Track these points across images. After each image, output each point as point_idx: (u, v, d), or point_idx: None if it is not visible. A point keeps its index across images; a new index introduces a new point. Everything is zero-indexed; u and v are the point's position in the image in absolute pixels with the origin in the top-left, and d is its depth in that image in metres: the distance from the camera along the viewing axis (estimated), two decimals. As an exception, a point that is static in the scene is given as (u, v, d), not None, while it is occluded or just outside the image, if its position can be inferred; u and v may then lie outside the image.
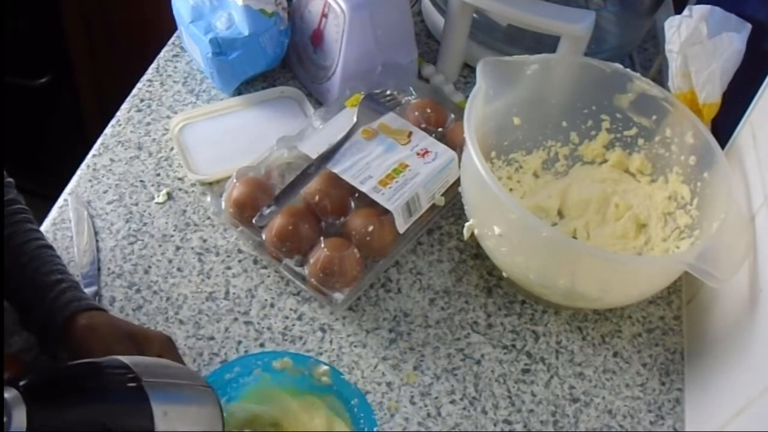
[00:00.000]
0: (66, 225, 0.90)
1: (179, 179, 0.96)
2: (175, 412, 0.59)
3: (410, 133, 0.93)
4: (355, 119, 0.93)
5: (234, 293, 0.86)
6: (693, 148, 0.87)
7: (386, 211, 0.86)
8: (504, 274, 0.88)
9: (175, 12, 1.06)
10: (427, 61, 1.13)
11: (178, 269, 0.88)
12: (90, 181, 0.95)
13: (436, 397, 0.80)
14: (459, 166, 0.89)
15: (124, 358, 0.60)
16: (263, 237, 0.86)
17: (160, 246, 0.89)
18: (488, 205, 0.83)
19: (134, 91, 1.06)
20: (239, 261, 0.89)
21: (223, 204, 0.89)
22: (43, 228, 0.89)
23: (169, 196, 0.94)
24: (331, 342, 0.83)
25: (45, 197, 0.95)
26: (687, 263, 0.75)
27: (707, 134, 0.85)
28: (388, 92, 0.99)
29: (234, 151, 0.97)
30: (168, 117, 1.02)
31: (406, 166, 0.89)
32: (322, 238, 0.84)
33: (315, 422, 0.73)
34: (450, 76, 1.11)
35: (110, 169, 0.96)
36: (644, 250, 0.89)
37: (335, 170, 0.88)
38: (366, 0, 0.97)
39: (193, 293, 0.86)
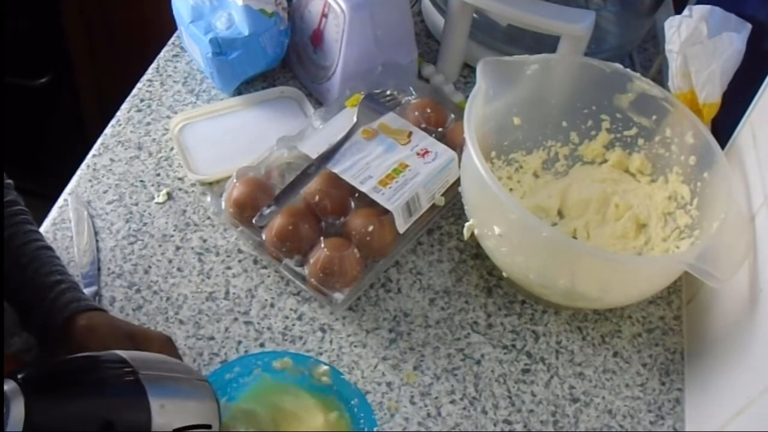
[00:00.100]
0: (66, 225, 0.90)
1: (179, 179, 0.96)
2: (173, 405, 0.60)
3: (410, 133, 0.93)
4: (355, 119, 0.93)
5: (234, 293, 0.86)
6: (693, 148, 0.87)
7: (386, 211, 0.86)
8: (504, 274, 0.88)
9: (175, 12, 1.06)
10: (427, 61, 1.13)
11: (178, 269, 0.88)
12: (90, 181, 0.95)
13: (436, 397, 0.80)
14: (459, 166, 0.89)
15: (122, 353, 0.61)
16: (263, 237, 0.86)
17: (160, 246, 0.89)
18: (488, 205, 0.83)
19: (134, 91, 1.06)
20: (239, 261, 0.89)
21: (223, 204, 0.89)
22: (43, 228, 0.89)
23: (169, 196, 0.94)
24: (331, 342, 0.83)
25: (45, 197, 0.95)
26: (687, 263, 0.75)
27: (707, 134, 0.85)
28: (388, 92, 0.99)
29: (234, 151, 0.97)
30: (168, 117, 1.02)
31: (406, 166, 0.89)
32: (322, 238, 0.84)
33: (315, 422, 0.73)
34: (450, 76, 1.11)
35: (110, 169, 0.96)
36: (644, 250, 0.89)
37: (335, 170, 0.88)
38: (366, 0, 0.97)
39: (193, 293, 0.86)
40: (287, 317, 0.85)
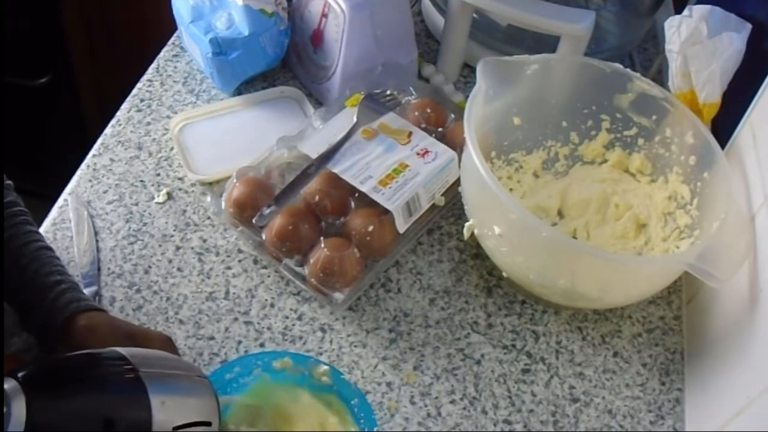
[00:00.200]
0: (66, 225, 0.90)
1: (179, 179, 0.96)
2: (173, 401, 0.60)
3: (410, 133, 0.93)
4: (355, 119, 0.93)
5: (234, 293, 0.86)
6: (693, 148, 0.87)
7: (386, 211, 0.86)
8: (504, 274, 0.88)
9: (175, 12, 1.06)
10: (427, 61, 1.13)
11: (178, 269, 0.88)
12: (90, 181, 0.95)
13: (436, 397, 0.80)
14: (459, 166, 0.89)
15: (122, 350, 0.61)
16: (263, 237, 0.86)
17: (160, 246, 0.89)
18: (488, 205, 0.83)
19: (134, 91, 1.06)
20: (239, 261, 0.89)
21: (223, 204, 0.89)
22: (43, 228, 0.89)
23: (169, 196, 0.94)
24: (331, 342, 0.83)
25: (45, 197, 0.95)
26: (687, 263, 0.75)
27: (707, 134, 0.85)
28: (388, 92, 0.99)
29: (234, 151, 0.97)
30: (168, 117, 1.02)
31: (406, 166, 0.89)
32: (322, 238, 0.84)
33: (315, 422, 0.73)
34: (450, 76, 1.11)
35: (110, 169, 0.96)
36: (644, 250, 0.89)
37: (335, 170, 0.88)
38: (366, 0, 0.97)
39: (193, 293, 0.86)
40: (287, 317, 0.85)
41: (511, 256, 0.84)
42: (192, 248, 0.90)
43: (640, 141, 0.94)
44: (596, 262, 0.79)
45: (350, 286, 0.84)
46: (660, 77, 1.08)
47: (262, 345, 0.82)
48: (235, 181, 0.89)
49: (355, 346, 0.83)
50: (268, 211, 0.85)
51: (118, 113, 1.03)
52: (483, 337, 0.85)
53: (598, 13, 1.01)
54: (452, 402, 0.80)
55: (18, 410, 0.53)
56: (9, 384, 0.54)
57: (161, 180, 0.96)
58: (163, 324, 0.83)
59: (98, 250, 0.88)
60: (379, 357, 0.83)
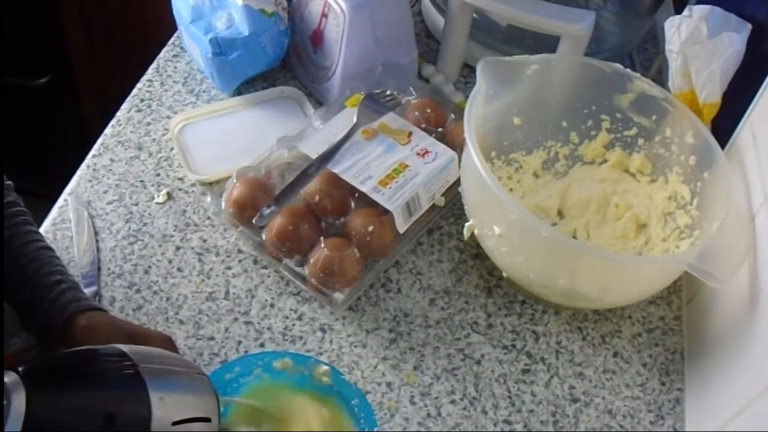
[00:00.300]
0: (66, 225, 0.90)
1: (179, 179, 0.96)
2: (172, 398, 0.60)
3: (410, 133, 0.93)
4: (355, 119, 0.93)
5: (234, 293, 0.86)
6: (693, 148, 0.87)
7: (386, 211, 0.86)
8: (504, 274, 0.88)
9: (175, 12, 1.06)
10: (427, 61, 1.13)
11: (178, 269, 0.88)
12: (90, 181, 0.95)
13: (436, 397, 0.80)
14: (459, 166, 0.89)
15: (122, 346, 0.62)
16: (263, 237, 0.86)
17: (160, 246, 0.89)
18: (488, 205, 0.83)
19: (134, 91, 1.06)
20: (239, 261, 0.89)
21: (223, 204, 0.89)
22: (42, 228, 0.89)
23: (169, 196, 0.94)
24: (331, 342, 0.83)
25: (45, 197, 0.95)
26: (687, 263, 0.75)
27: (707, 134, 0.85)
28: (388, 92, 0.99)
29: (234, 151, 0.97)
30: (168, 117, 1.02)
31: (406, 166, 0.89)
32: (322, 238, 0.84)
33: (315, 422, 0.73)
34: (450, 76, 1.11)
35: (110, 169, 0.96)
36: (644, 250, 0.89)
37: (335, 170, 0.88)
38: (366, 0, 0.97)
39: (193, 293, 0.86)
40: (287, 317, 0.85)
41: (511, 256, 0.84)
42: (192, 248, 0.90)
43: (640, 141, 0.94)
44: (596, 262, 0.79)
45: (350, 286, 0.84)
46: (660, 77, 1.08)
47: (262, 345, 0.82)
48: (235, 181, 0.89)
49: (355, 346, 0.83)
50: (268, 211, 0.85)
51: (118, 113, 1.03)
52: (483, 337, 0.85)
53: (598, 13, 1.02)
54: (452, 402, 0.80)
55: (18, 403, 0.53)
56: (10, 377, 0.55)
57: (161, 180, 0.96)
58: (163, 324, 0.83)
59: (98, 250, 0.88)
60: (379, 357, 0.83)
